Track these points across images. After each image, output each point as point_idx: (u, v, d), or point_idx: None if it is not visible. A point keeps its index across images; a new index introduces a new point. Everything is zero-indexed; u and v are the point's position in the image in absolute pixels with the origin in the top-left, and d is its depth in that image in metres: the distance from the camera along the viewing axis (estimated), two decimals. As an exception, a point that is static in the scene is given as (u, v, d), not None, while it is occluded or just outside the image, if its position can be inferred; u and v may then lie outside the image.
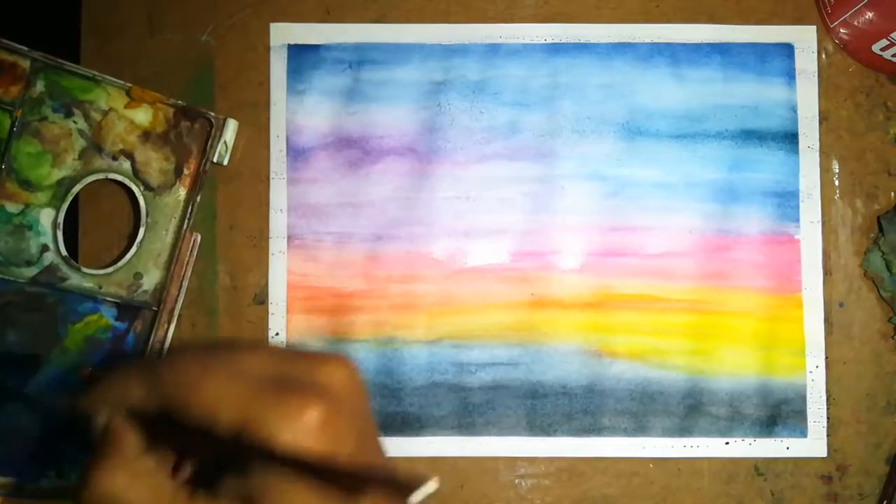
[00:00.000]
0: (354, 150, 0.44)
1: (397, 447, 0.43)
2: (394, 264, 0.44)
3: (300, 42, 0.44)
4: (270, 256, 0.44)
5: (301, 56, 0.44)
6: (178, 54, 0.44)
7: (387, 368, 0.43)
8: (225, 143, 0.43)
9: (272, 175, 0.44)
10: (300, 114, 0.44)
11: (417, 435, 0.43)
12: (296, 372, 0.26)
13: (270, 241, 0.44)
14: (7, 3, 0.44)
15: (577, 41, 0.45)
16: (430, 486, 0.23)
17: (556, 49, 0.44)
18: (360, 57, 0.44)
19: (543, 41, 0.44)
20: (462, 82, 0.44)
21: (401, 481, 0.23)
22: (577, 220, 0.44)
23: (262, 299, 0.44)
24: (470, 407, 0.43)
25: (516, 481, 0.43)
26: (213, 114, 0.43)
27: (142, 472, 0.26)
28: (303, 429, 0.23)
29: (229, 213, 0.44)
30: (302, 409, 0.24)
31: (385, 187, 0.44)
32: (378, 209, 0.44)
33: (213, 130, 0.43)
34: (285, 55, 0.44)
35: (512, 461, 0.43)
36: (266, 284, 0.44)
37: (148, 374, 0.26)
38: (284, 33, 0.45)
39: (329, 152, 0.44)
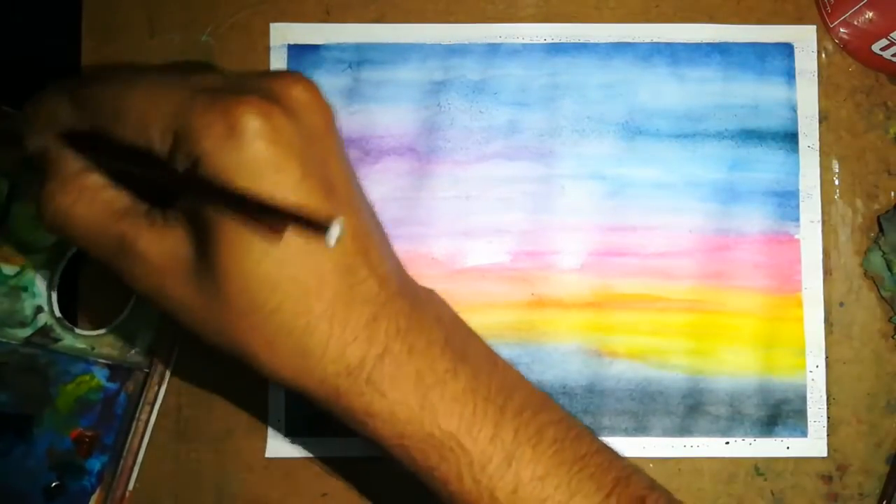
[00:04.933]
0: (354, 150, 0.44)
1: (397, 447, 0.43)
2: (394, 264, 0.44)
3: (300, 42, 0.44)
4: (270, 256, 0.44)
5: (301, 56, 0.44)
6: (178, 54, 0.44)
7: (387, 368, 0.43)
8: None
9: (272, 175, 0.44)
10: (300, 114, 0.44)
11: (417, 435, 0.43)
12: (243, 83, 0.22)
13: (270, 241, 0.44)
14: (6, 3, 0.44)
15: (577, 41, 0.45)
16: (336, 229, 0.22)
17: (556, 49, 0.44)
18: (360, 57, 0.44)
19: (543, 41, 0.44)
20: (462, 82, 0.44)
21: (313, 220, 0.21)
22: (577, 219, 0.44)
23: (262, 299, 0.44)
24: (470, 407, 0.43)
25: (516, 481, 0.43)
26: None
27: (88, 188, 0.24)
28: (242, 136, 0.20)
29: (229, 213, 0.44)
30: (240, 115, 0.21)
31: (385, 187, 0.44)
32: (378, 209, 0.44)
33: None
34: (285, 55, 0.44)
35: (512, 461, 0.43)
36: (266, 284, 0.44)
37: (76, 90, 0.23)
38: (284, 33, 0.45)
39: (329, 152, 0.44)
